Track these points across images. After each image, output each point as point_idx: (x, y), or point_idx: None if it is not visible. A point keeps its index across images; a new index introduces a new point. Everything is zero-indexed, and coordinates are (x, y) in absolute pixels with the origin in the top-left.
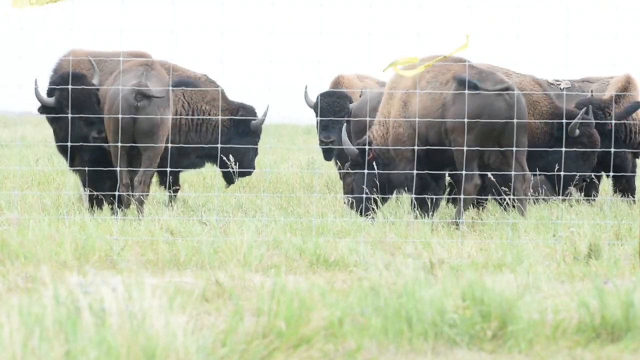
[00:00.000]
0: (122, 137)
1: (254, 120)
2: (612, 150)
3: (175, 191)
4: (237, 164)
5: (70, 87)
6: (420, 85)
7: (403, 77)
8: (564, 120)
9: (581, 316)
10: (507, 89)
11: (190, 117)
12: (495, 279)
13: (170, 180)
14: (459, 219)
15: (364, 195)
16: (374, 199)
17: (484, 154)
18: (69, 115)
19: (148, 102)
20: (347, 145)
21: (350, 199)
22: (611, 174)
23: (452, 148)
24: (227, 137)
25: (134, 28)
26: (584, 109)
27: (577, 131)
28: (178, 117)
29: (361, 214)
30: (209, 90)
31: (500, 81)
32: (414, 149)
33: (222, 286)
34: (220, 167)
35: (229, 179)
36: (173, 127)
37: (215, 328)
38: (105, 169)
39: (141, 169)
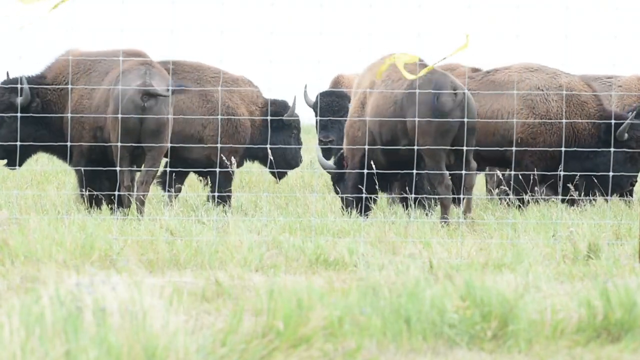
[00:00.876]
0: (129, 138)
1: (286, 113)
2: (612, 150)
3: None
4: (280, 159)
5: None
6: (375, 85)
7: (364, 77)
8: (613, 121)
9: (581, 316)
10: (455, 88)
11: (254, 118)
12: (495, 278)
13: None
14: (446, 217)
15: (364, 195)
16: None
17: (449, 154)
18: (69, 115)
19: (155, 101)
20: (326, 166)
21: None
22: (611, 173)
23: (414, 146)
24: (264, 135)
25: (134, 28)
26: (634, 112)
27: (626, 135)
28: (249, 118)
29: (360, 213)
30: (253, 91)
31: (451, 82)
32: (365, 149)
33: (221, 286)
34: (265, 165)
35: (278, 173)
36: (247, 130)
37: (215, 328)
38: (103, 168)
39: (144, 169)
